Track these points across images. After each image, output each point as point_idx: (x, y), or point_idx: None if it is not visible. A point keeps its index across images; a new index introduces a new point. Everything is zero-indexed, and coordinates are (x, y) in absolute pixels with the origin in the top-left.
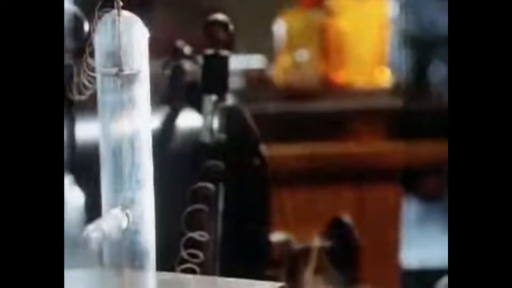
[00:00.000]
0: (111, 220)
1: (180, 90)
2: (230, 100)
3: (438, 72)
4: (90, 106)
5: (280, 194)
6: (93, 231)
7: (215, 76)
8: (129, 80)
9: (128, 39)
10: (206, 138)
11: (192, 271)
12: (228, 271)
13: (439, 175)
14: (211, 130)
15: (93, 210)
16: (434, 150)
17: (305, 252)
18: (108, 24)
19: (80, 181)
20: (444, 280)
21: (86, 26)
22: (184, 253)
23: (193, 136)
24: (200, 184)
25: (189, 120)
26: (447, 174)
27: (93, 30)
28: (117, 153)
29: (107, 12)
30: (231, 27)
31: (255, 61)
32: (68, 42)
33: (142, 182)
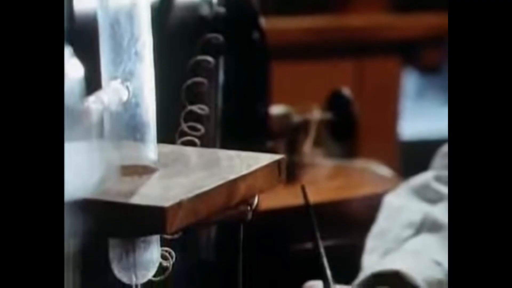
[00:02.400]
0: (111, 92)
1: None
2: None
3: None
4: None
5: (279, 67)
6: (93, 102)
7: None
8: None
9: None
10: (205, 11)
11: (192, 144)
12: (228, 144)
13: (439, 47)
14: (210, 2)
15: (92, 83)
16: (434, 22)
17: (305, 125)
18: None
19: (79, 53)
20: (444, 149)
21: None
22: (184, 126)
23: (192, 9)
24: (200, 57)
25: None
26: (447, 46)
27: None
28: (115, 25)
29: None
30: None
31: None
32: None
33: (141, 54)
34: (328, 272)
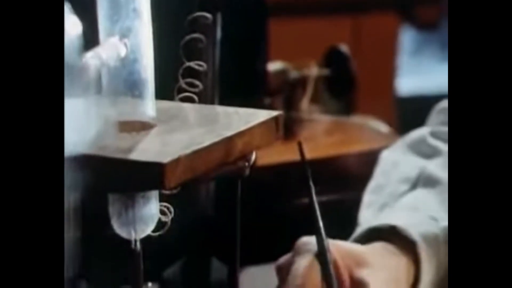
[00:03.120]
0: (109, 48)
1: None
2: None
3: None
4: None
5: (277, 24)
6: (92, 58)
7: None
8: None
9: None
10: None
11: (190, 100)
12: (226, 100)
13: (436, 4)
14: None
15: (90, 39)
16: None
17: (302, 81)
18: None
19: (77, 10)
20: (441, 104)
21: None
22: (182, 82)
23: None
24: (197, 13)
25: None
26: (444, 3)
27: None
28: None
29: None
30: None
31: None
32: None
33: (139, 11)
34: (322, 228)
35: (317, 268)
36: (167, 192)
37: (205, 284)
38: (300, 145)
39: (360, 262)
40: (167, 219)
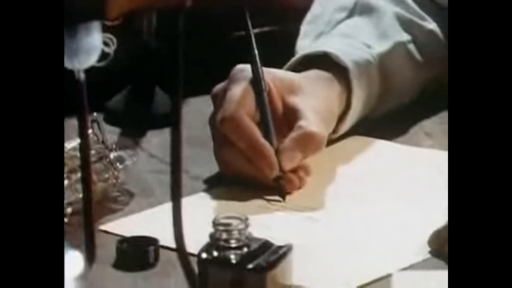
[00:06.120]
0: None
1: None
2: None
3: None
4: None
5: None
6: None
7: None
8: None
9: None
10: None
11: None
12: None
13: None
14: None
15: None
16: None
17: None
18: None
19: None
20: None
21: None
22: None
23: None
24: None
25: None
26: None
27: None
28: None
29: None
30: None
31: None
32: None
33: None
34: (257, 56)
35: (251, 94)
36: (109, 23)
37: (148, 113)
38: None
39: (293, 89)
40: (110, 50)
